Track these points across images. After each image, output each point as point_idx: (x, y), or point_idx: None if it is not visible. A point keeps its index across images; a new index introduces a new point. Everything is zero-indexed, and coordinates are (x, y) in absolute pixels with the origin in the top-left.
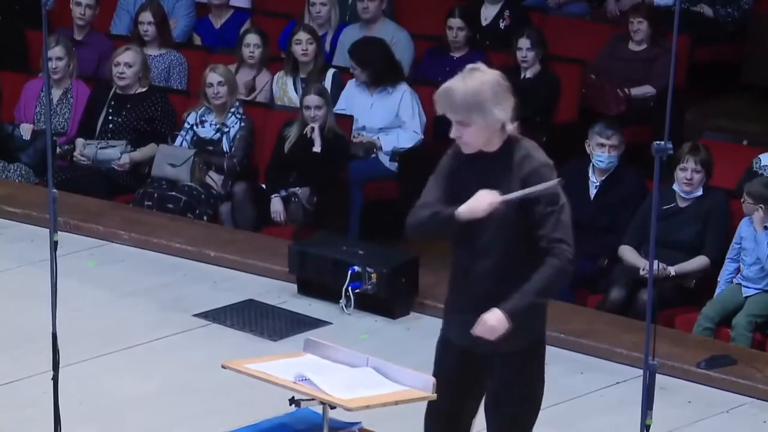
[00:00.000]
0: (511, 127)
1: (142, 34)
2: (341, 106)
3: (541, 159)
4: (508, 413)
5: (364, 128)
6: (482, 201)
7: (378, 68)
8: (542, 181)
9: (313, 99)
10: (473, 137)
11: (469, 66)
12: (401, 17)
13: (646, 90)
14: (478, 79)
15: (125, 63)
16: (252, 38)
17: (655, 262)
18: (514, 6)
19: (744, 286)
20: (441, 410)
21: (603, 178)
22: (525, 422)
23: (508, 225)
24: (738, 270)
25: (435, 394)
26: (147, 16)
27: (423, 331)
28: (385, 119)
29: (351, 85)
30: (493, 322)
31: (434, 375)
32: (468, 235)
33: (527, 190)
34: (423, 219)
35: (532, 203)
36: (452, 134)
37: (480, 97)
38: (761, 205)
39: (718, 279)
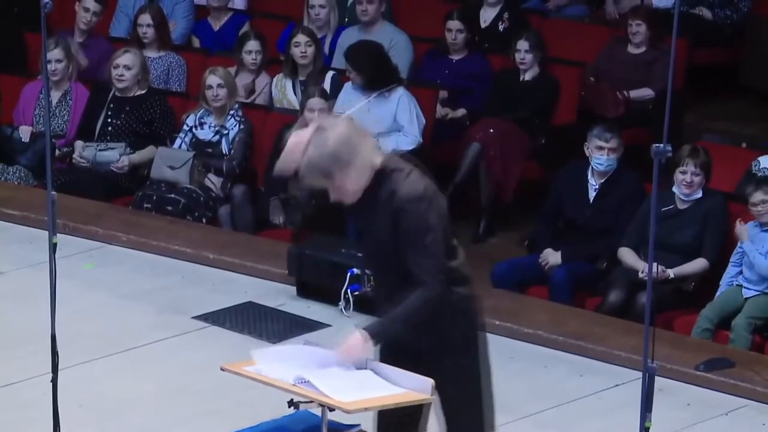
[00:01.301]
0: (378, 161)
1: (141, 37)
2: (338, 110)
3: (408, 192)
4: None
5: None
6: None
7: (372, 72)
8: (409, 220)
9: (316, 102)
10: (351, 188)
11: (316, 126)
12: (400, 20)
13: (645, 92)
14: (330, 138)
15: (124, 65)
16: (253, 45)
17: (654, 264)
18: (513, 8)
19: (745, 288)
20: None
21: (602, 180)
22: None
23: (391, 265)
24: (740, 273)
25: (433, 397)
26: (146, 19)
27: None
28: (383, 124)
29: (348, 88)
30: (351, 341)
31: None
32: (379, 266)
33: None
34: None
35: (399, 240)
36: (332, 198)
37: (341, 155)
38: None
39: (720, 282)
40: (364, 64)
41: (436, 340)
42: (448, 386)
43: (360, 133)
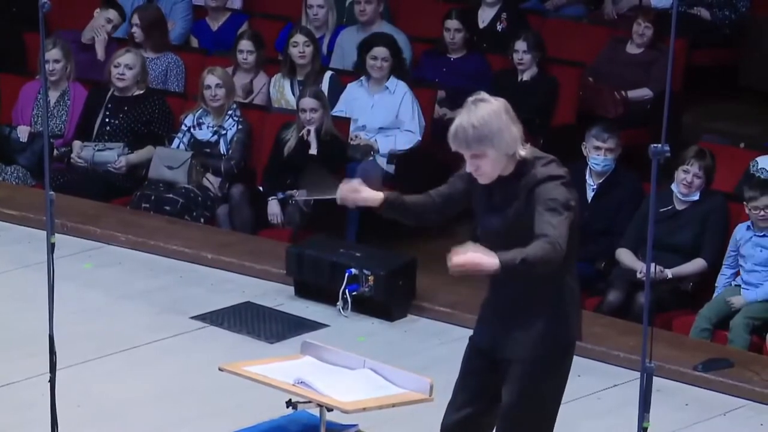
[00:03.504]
0: (524, 152)
1: (133, 37)
2: (341, 108)
3: (550, 172)
4: (513, 424)
5: (364, 127)
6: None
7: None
8: (545, 193)
9: (308, 102)
10: (489, 168)
11: (473, 98)
12: (398, 19)
13: (644, 93)
14: (485, 110)
15: (125, 65)
16: (245, 44)
17: (653, 264)
18: (512, 9)
19: (744, 289)
20: (457, 408)
21: (600, 180)
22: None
23: (515, 234)
24: (735, 275)
25: (432, 397)
26: (135, 19)
27: (420, 333)
28: (386, 119)
29: (352, 87)
30: (485, 257)
31: (456, 387)
32: (497, 246)
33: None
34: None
35: (534, 207)
36: (468, 168)
37: (489, 128)
38: None
39: (716, 285)
40: (398, 50)
41: (549, 345)
42: (532, 397)
43: (512, 118)
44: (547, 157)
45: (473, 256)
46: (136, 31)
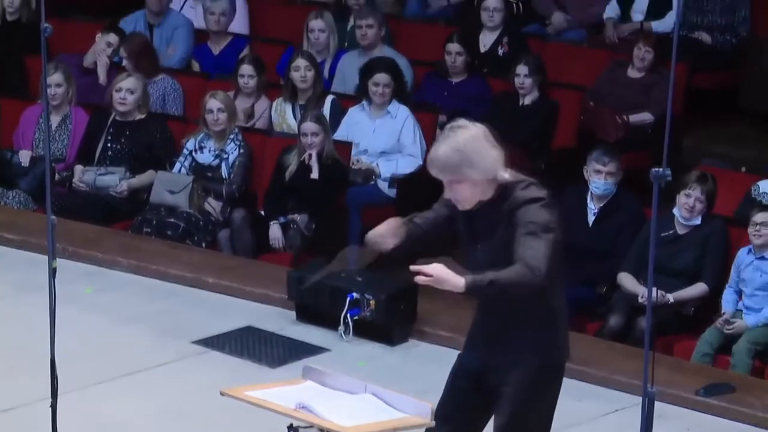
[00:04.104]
0: (505, 176)
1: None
2: (342, 133)
3: (529, 195)
4: None
5: (366, 152)
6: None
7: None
8: (524, 216)
9: (309, 126)
10: (468, 193)
11: (450, 125)
12: (399, 43)
13: (645, 116)
14: (463, 136)
15: (127, 89)
16: (246, 68)
17: (654, 289)
18: (513, 33)
19: (745, 314)
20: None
21: (601, 204)
22: None
23: (502, 260)
24: (738, 299)
25: (433, 421)
26: (122, 51)
27: (421, 358)
28: (387, 143)
29: (353, 111)
30: (451, 275)
31: (440, 401)
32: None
33: None
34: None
35: (514, 229)
36: (446, 195)
37: (465, 154)
38: None
39: (722, 301)
40: (400, 74)
41: (528, 336)
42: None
43: (492, 143)
44: (527, 180)
45: (439, 270)
46: (126, 62)
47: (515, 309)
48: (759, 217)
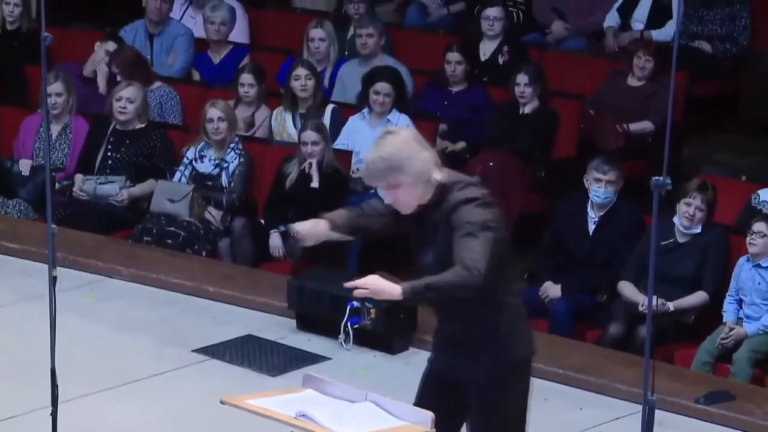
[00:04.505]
0: (440, 176)
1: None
2: (342, 141)
3: (465, 195)
4: None
5: None
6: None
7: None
8: (461, 218)
9: (310, 135)
10: (406, 197)
11: (382, 131)
12: (399, 52)
13: (645, 125)
14: (392, 141)
15: (127, 98)
16: (246, 78)
17: (654, 297)
18: (513, 42)
19: (745, 322)
20: None
21: (601, 213)
22: None
23: (448, 262)
24: (739, 308)
25: (433, 430)
26: (113, 67)
27: (421, 366)
28: None
29: (353, 120)
30: (387, 284)
31: (415, 402)
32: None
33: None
34: None
35: (452, 232)
36: (386, 201)
37: (398, 157)
38: None
39: (724, 320)
40: (402, 84)
41: (484, 335)
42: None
43: (423, 145)
44: (465, 180)
45: (374, 281)
46: (119, 76)
47: (468, 309)
48: (756, 226)
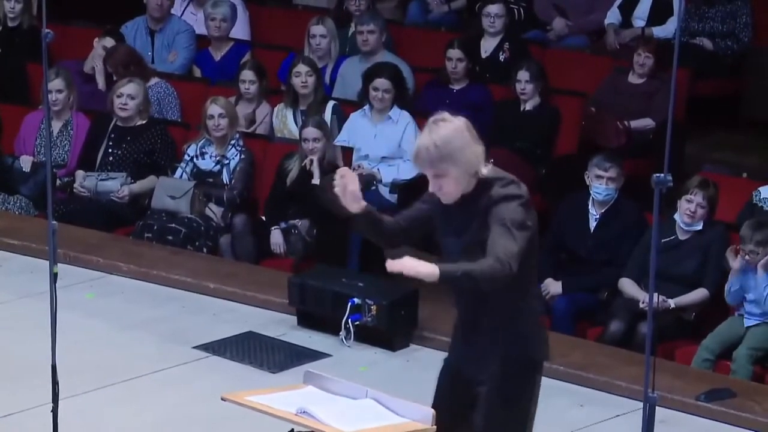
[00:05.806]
0: (485, 171)
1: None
2: (343, 138)
3: (507, 192)
4: None
5: (367, 157)
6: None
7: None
8: (500, 213)
9: (311, 131)
10: (451, 187)
11: (434, 118)
12: (400, 49)
13: (646, 123)
14: (445, 129)
15: (128, 95)
16: (247, 74)
17: (655, 294)
18: (514, 39)
19: (746, 318)
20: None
21: (602, 210)
22: None
23: (476, 253)
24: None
25: (434, 427)
26: (108, 67)
27: (422, 363)
28: (389, 149)
29: (354, 116)
30: (423, 264)
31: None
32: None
33: None
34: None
35: (490, 224)
36: (431, 189)
37: (452, 147)
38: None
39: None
40: (401, 80)
41: (502, 333)
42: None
43: (474, 137)
44: (507, 178)
45: (410, 261)
46: (115, 77)
47: (490, 306)
48: (755, 236)
